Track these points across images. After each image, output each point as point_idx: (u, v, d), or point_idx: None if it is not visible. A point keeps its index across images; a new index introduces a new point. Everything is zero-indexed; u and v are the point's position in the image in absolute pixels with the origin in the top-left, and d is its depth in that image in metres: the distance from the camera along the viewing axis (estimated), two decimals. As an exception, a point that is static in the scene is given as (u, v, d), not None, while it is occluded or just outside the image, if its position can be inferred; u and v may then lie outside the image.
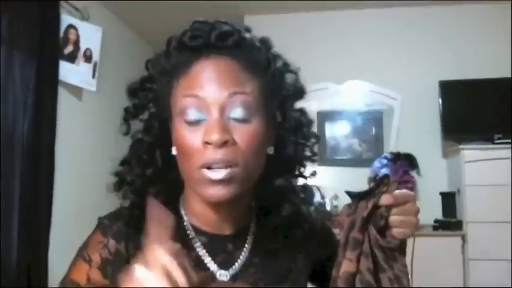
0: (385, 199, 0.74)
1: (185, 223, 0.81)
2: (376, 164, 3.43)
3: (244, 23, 3.81)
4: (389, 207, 0.74)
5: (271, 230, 0.84)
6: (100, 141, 3.53)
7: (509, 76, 3.34)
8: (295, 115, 0.83)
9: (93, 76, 3.20)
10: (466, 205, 3.07)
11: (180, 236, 0.75)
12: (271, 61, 0.80)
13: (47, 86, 2.67)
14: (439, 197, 3.36)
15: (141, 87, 0.81)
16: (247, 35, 0.78)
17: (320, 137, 0.87)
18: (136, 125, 0.83)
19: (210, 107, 0.71)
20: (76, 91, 3.15)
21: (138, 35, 4.23)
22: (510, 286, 2.91)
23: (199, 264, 0.77)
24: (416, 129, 3.61)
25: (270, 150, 0.80)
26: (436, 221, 3.26)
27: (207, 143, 0.70)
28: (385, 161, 3.41)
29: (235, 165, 0.71)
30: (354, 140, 3.78)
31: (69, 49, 2.97)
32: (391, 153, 3.46)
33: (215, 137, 0.69)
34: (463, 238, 3.04)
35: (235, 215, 0.81)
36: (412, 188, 3.38)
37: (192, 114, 0.72)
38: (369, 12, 3.79)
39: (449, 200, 3.30)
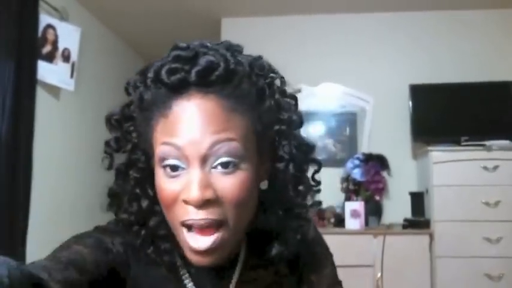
0: None
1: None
2: (349, 164, 3.52)
3: (221, 25, 3.87)
4: None
5: (263, 256, 0.77)
6: (78, 141, 3.54)
7: (477, 81, 3.47)
8: (290, 147, 0.73)
9: (72, 76, 3.22)
10: (434, 205, 3.18)
11: (170, 267, 0.74)
12: (265, 92, 0.70)
13: (25, 86, 2.68)
14: (409, 197, 3.46)
15: (122, 117, 0.73)
16: (233, 65, 0.66)
17: (321, 164, 0.77)
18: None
19: (190, 159, 0.63)
20: (54, 91, 3.16)
21: (116, 36, 4.24)
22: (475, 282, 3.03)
23: None
24: (388, 130, 3.71)
25: (264, 185, 0.73)
26: (405, 220, 3.36)
27: (186, 201, 0.63)
28: (357, 162, 3.51)
29: (220, 225, 0.64)
30: (329, 141, 3.86)
31: (47, 49, 2.98)
32: (363, 154, 3.56)
33: (194, 195, 0.61)
34: (431, 236, 3.15)
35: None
36: (383, 188, 3.49)
37: (171, 164, 0.64)
38: (342, 17, 3.88)
39: (418, 199, 3.40)
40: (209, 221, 0.63)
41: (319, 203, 0.79)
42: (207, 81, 0.64)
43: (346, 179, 3.54)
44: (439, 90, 3.54)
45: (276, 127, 0.71)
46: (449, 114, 3.46)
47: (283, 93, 0.73)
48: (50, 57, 3.01)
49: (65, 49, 3.14)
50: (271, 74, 0.72)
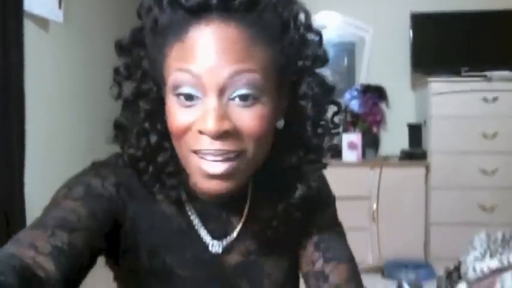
0: None
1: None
2: (347, 95, 3.48)
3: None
4: None
5: (270, 193, 0.74)
6: (69, 74, 3.47)
7: (479, 9, 3.35)
8: (312, 85, 0.70)
9: (60, 7, 3.09)
10: (431, 136, 3.17)
11: (175, 202, 0.72)
12: (290, 25, 0.65)
13: (11, 18, 2.58)
14: (407, 129, 3.45)
15: (132, 42, 0.68)
16: None
17: (342, 106, 0.74)
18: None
19: (207, 88, 0.59)
20: (42, 22, 3.05)
21: (104, -38, 4.05)
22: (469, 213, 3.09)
23: (190, 232, 0.74)
24: (387, 61, 3.65)
25: (280, 124, 0.69)
26: (402, 151, 3.37)
27: (201, 132, 0.60)
28: (355, 93, 3.47)
29: (236, 156, 0.62)
30: (327, 72, 3.79)
31: (32, -23, 2.84)
32: (361, 85, 3.51)
33: (210, 126, 0.58)
34: (427, 168, 3.17)
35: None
36: (381, 120, 3.47)
37: (187, 90, 0.60)
38: None
39: (416, 131, 3.39)
40: (224, 152, 0.60)
41: (336, 146, 0.76)
42: (229, 6, 0.59)
43: (344, 110, 3.51)
44: (440, 19, 3.44)
45: (300, 63, 0.68)
46: (450, 44, 3.37)
47: (308, 27, 0.68)
48: (35, -14, 2.87)
49: (52, -23, 3.00)
50: (296, 7, 0.67)
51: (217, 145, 0.60)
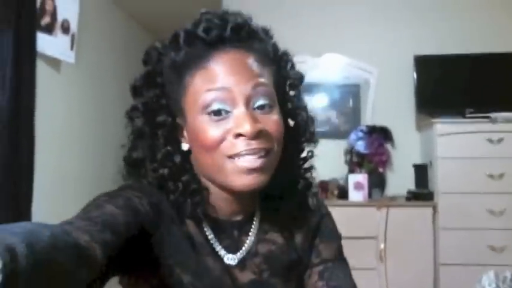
0: None
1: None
2: (353, 136, 3.50)
3: (223, -5, 3.80)
4: None
5: (276, 217, 0.86)
6: (79, 113, 3.53)
7: (483, 52, 3.41)
8: (295, 101, 0.85)
9: (72, 48, 3.18)
10: (438, 177, 3.17)
11: (196, 219, 0.79)
12: (278, 49, 0.82)
13: (25, 58, 2.64)
14: (412, 169, 3.45)
15: (144, 85, 0.80)
16: (254, 25, 0.78)
17: (315, 120, 0.89)
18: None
19: (237, 100, 0.72)
20: (54, 63, 3.13)
21: (116, 6, 4.17)
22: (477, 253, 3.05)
23: (207, 247, 0.79)
24: (392, 102, 3.68)
25: None
26: (408, 192, 3.36)
27: (240, 134, 0.71)
28: (361, 134, 3.49)
29: (267, 153, 0.73)
30: (332, 112, 3.84)
31: (46, 20, 2.93)
32: (367, 126, 3.54)
33: (248, 128, 0.70)
34: (434, 208, 3.15)
35: (245, 203, 0.83)
36: (387, 160, 3.48)
37: (218, 106, 0.72)
38: (347, -14, 3.81)
39: (421, 171, 3.39)
40: (258, 150, 0.72)
41: (312, 153, 0.90)
42: (238, 37, 0.75)
43: (350, 151, 3.52)
44: (444, 62, 3.49)
45: (289, 81, 0.84)
46: (454, 85, 3.41)
47: (285, 52, 0.85)
48: (49, 29, 2.96)
49: (64, 20, 3.09)
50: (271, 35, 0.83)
51: (254, 144, 0.71)
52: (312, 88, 3.74)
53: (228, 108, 0.72)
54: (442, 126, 3.19)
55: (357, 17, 3.79)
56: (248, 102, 0.72)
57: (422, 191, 3.27)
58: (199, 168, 0.79)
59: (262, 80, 0.74)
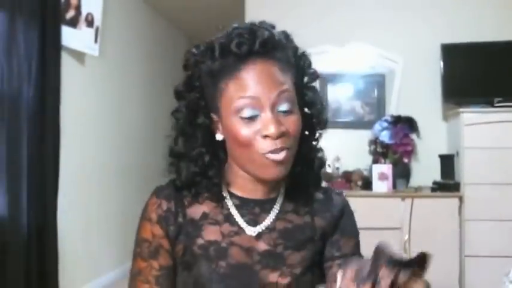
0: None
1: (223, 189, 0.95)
2: (377, 126, 3.47)
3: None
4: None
5: (298, 201, 0.98)
6: (103, 105, 3.56)
7: (510, 39, 3.33)
8: (310, 95, 0.97)
9: (96, 41, 3.21)
10: (464, 167, 3.12)
11: (217, 197, 0.94)
12: (297, 58, 0.94)
13: (50, 51, 2.68)
14: (438, 160, 3.40)
15: (186, 89, 0.92)
16: (277, 37, 0.89)
17: (327, 109, 0.98)
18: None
19: (264, 106, 0.84)
20: (79, 56, 3.16)
21: (139, -2, 4.20)
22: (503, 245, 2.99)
23: (230, 220, 0.93)
24: (417, 92, 3.63)
25: None
26: (434, 182, 3.31)
27: (266, 136, 0.84)
28: (385, 124, 3.45)
29: (287, 149, 0.86)
30: (357, 103, 3.80)
31: (70, 14, 2.97)
32: (392, 116, 3.49)
33: (273, 130, 0.83)
34: (461, 199, 3.10)
35: (269, 186, 0.95)
36: (412, 151, 3.43)
37: (248, 113, 0.84)
38: (371, -26, 3.76)
39: (448, 162, 3.34)
40: (282, 148, 0.84)
41: (321, 135, 1.01)
42: (265, 50, 0.86)
43: (374, 141, 3.49)
44: (471, 50, 3.42)
45: (307, 77, 0.96)
46: (482, 74, 3.34)
47: (303, 53, 0.96)
48: (73, 23, 3.00)
49: (88, 14, 3.12)
50: (292, 39, 0.94)
51: (279, 143, 0.84)
52: (337, 78, 3.70)
53: (256, 113, 0.85)
54: (469, 115, 3.13)
55: (382, 6, 3.73)
56: (273, 107, 0.84)
57: (448, 182, 3.22)
58: (232, 156, 0.93)
59: (285, 87, 0.86)
